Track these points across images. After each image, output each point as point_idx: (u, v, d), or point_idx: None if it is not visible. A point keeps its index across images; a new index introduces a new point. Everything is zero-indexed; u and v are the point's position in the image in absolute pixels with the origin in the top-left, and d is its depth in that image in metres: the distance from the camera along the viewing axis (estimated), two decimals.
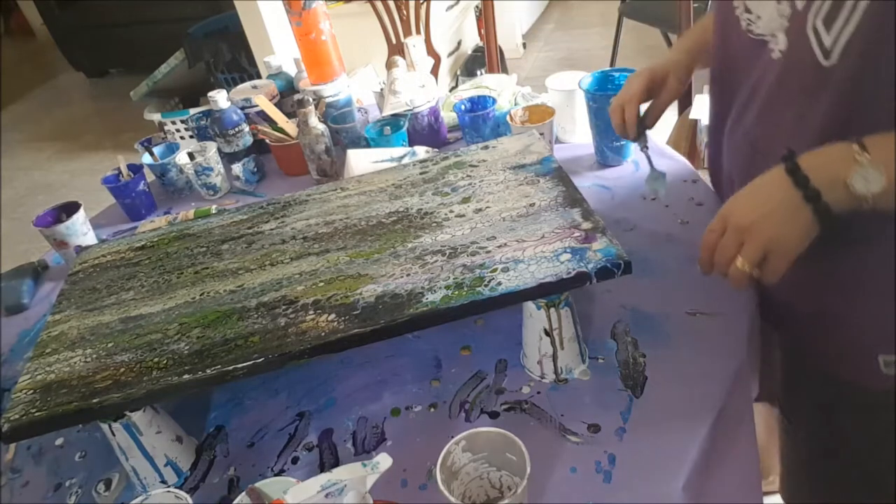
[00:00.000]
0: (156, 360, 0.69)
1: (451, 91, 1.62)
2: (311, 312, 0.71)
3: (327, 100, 1.31)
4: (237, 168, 1.26)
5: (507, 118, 1.09)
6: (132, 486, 0.73)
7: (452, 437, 0.59)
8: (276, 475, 0.70)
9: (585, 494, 0.63)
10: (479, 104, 1.17)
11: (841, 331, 0.74)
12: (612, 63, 2.95)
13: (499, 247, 0.74)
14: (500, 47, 2.45)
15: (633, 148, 1.09)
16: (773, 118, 0.70)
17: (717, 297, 0.79)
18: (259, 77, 1.77)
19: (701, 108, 1.49)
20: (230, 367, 0.66)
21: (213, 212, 1.15)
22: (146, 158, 1.28)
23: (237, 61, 2.96)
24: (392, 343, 0.78)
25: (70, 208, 1.12)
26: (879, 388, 0.72)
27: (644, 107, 0.92)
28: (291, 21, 1.24)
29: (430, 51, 2.12)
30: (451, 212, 0.82)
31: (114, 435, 0.69)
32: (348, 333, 0.67)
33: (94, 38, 4.34)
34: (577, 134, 1.18)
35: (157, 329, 0.74)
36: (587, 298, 0.84)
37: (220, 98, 1.22)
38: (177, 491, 0.60)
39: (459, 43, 2.96)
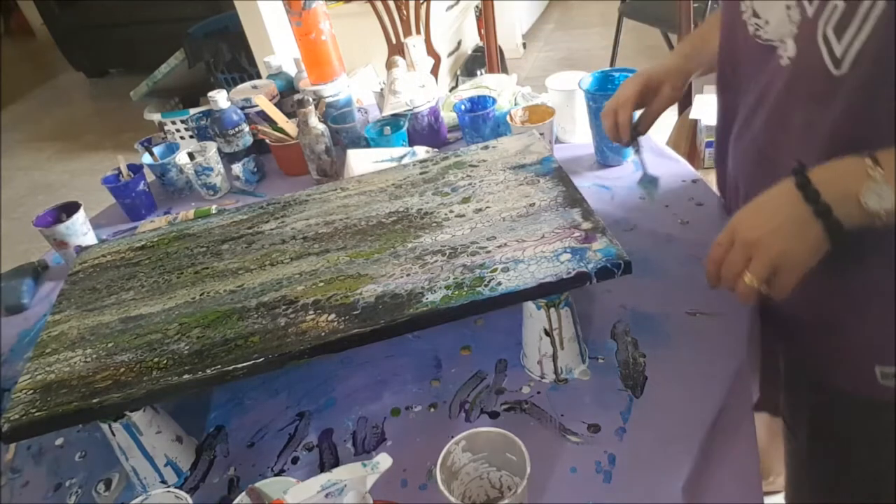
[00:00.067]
0: (156, 360, 0.69)
1: (451, 91, 1.62)
2: (311, 312, 0.71)
3: (327, 100, 1.31)
4: (237, 168, 1.26)
5: (507, 118, 1.09)
6: (132, 486, 0.73)
7: (452, 437, 0.59)
8: (276, 475, 0.70)
9: (585, 494, 0.63)
10: (479, 104, 1.17)
11: (838, 341, 0.73)
12: (612, 63, 2.95)
13: (499, 247, 0.74)
14: (500, 47, 2.45)
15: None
16: (781, 126, 0.69)
17: (717, 297, 0.78)
18: (259, 77, 1.77)
19: (701, 108, 1.49)
20: (230, 367, 0.66)
21: (213, 212, 1.15)
22: (146, 158, 1.28)
23: (237, 61, 2.96)
24: (392, 343, 0.78)
25: (70, 208, 1.12)
26: (877, 398, 0.72)
27: (641, 112, 0.92)
28: (291, 21, 1.24)
29: (430, 51, 2.12)
30: (451, 212, 0.82)
31: (114, 435, 0.69)
32: (348, 333, 0.67)
33: (94, 38, 4.34)
34: (577, 134, 1.18)
35: (157, 329, 0.74)
36: (587, 298, 0.84)
37: (220, 98, 1.22)
38: (177, 491, 0.60)
39: (459, 43, 2.96)
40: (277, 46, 2.42)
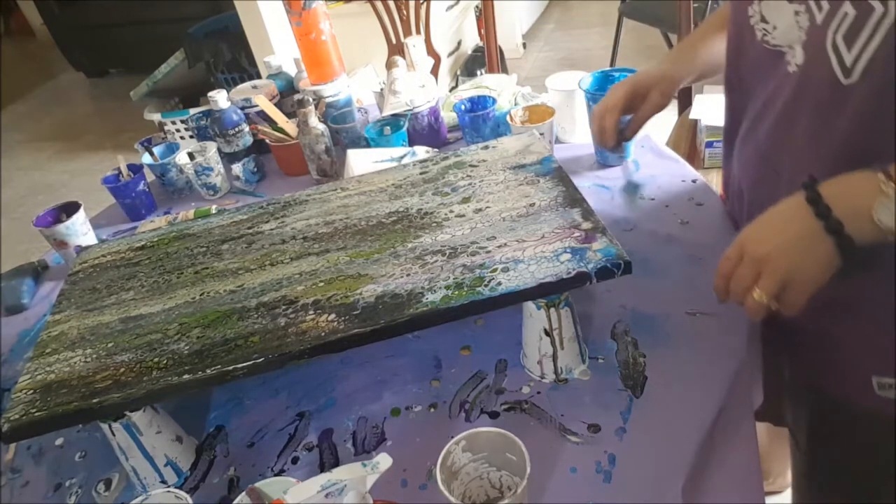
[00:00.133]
0: (156, 360, 0.69)
1: (451, 91, 1.62)
2: (311, 312, 0.71)
3: (327, 100, 1.31)
4: (237, 168, 1.26)
5: (507, 118, 1.09)
6: (132, 486, 0.73)
7: (452, 437, 0.59)
8: (276, 475, 0.70)
9: (585, 494, 0.63)
10: (479, 104, 1.17)
11: (836, 351, 0.73)
12: (612, 63, 2.95)
13: (499, 247, 0.74)
14: (500, 47, 2.45)
15: (633, 148, 1.09)
16: (787, 134, 0.67)
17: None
18: (259, 77, 1.77)
19: (701, 108, 1.49)
20: (230, 367, 0.66)
21: (213, 212, 1.15)
22: (146, 158, 1.28)
23: (237, 61, 2.96)
24: (392, 343, 0.78)
25: (70, 208, 1.12)
26: (875, 408, 0.71)
27: (630, 118, 0.92)
28: (291, 21, 1.24)
29: (430, 51, 2.12)
30: (451, 212, 0.82)
31: (114, 435, 0.69)
32: (348, 333, 0.67)
33: (94, 38, 4.34)
34: (577, 134, 1.18)
35: (157, 329, 0.74)
36: (587, 298, 0.84)
37: (220, 98, 1.22)
38: (177, 491, 0.60)
39: (459, 43, 2.96)
40: (277, 46, 2.42)
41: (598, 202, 1.01)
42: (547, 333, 0.71)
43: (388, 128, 1.22)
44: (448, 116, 1.28)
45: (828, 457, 0.84)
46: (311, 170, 1.21)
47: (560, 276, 0.67)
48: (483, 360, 0.79)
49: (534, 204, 0.80)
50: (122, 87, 3.70)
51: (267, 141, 1.27)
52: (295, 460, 0.72)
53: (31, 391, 0.68)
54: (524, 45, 3.66)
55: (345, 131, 1.26)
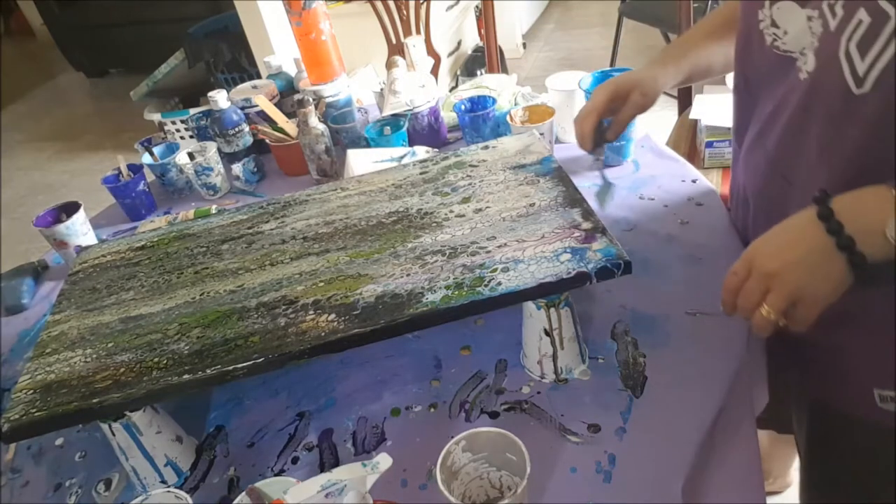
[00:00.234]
0: (156, 360, 0.69)
1: (451, 91, 1.62)
2: (311, 312, 0.71)
3: (327, 100, 1.31)
4: (237, 168, 1.26)
5: (507, 118, 1.09)
6: (132, 486, 0.73)
7: (452, 437, 0.59)
8: (276, 475, 0.70)
9: (585, 494, 0.63)
10: (479, 104, 1.17)
11: (837, 362, 0.73)
12: (612, 63, 2.94)
13: (499, 247, 0.74)
14: (500, 47, 2.45)
15: (633, 148, 1.09)
16: (795, 143, 0.66)
17: (717, 297, 0.78)
18: (259, 77, 1.77)
19: (701, 108, 1.48)
20: (230, 367, 0.66)
21: (213, 212, 1.15)
22: (146, 158, 1.28)
23: (237, 61, 2.96)
24: (392, 343, 0.78)
25: (70, 208, 1.12)
26: (876, 420, 0.71)
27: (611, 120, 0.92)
28: (291, 21, 1.24)
29: (430, 51, 2.12)
30: (451, 212, 0.82)
31: (114, 435, 0.69)
32: (348, 333, 0.67)
33: (94, 38, 4.34)
34: None
35: (157, 329, 0.74)
36: (587, 298, 0.84)
37: (220, 98, 1.22)
38: (177, 491, 0.60)
39: (459, 43, 2.96)
40: (277, 46, 2.42)
41: (598, 202, 1.01)
42: (547, 333, 0.71)
43: (388, 128, 1.22)
44: (448, 116, 1.28)
45: (828, 465, 0.84)
46: (311, 170, 1.21)
47: (560, 276, 0.67)
48: (483, 360, 0.79)
49: (534, 204, 0.80)
50: (122, 87, 3.71)
51: (267, 141, 1.27)
52: (295, 460, 0.72)
53: (31, 391, 0.68)
54: (524, 45, 3.66)
55: (345, 131, 1.26)
